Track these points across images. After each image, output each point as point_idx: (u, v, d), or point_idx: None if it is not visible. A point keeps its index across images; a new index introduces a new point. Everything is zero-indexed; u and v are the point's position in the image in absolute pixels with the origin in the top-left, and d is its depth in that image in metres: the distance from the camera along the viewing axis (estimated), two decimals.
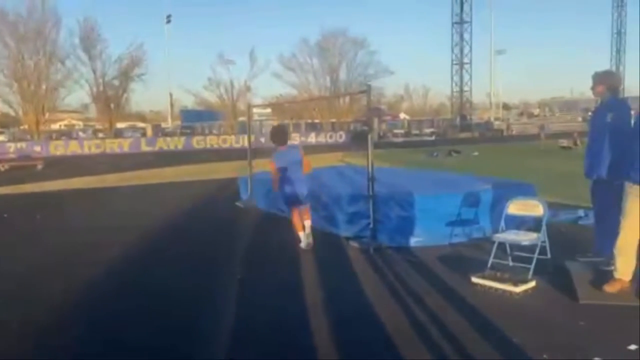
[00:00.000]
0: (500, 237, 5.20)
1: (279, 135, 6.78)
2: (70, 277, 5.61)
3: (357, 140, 34.38)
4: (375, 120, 45.81)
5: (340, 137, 41.90)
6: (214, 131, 49.63)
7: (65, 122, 65.14)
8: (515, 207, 5.42)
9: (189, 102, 64.91)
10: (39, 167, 22.58)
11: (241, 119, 46.90)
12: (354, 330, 3.95)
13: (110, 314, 4.46)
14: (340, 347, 3.63)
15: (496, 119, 58.91)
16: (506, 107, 71.84)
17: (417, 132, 53.46)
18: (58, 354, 3.70)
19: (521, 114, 74.75)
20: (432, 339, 3.68)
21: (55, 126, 54.35)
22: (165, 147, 36.04)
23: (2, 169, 22.06)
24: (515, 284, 4.59)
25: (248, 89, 50.65)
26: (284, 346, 3.71)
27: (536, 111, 77.09)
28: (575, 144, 25.31)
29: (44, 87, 40.09)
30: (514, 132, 51.61)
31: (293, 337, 3.85)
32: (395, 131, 52.15)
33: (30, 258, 6.50)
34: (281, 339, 3.84)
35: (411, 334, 3.77)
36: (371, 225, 6.51)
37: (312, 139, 40.66)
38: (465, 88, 52.81)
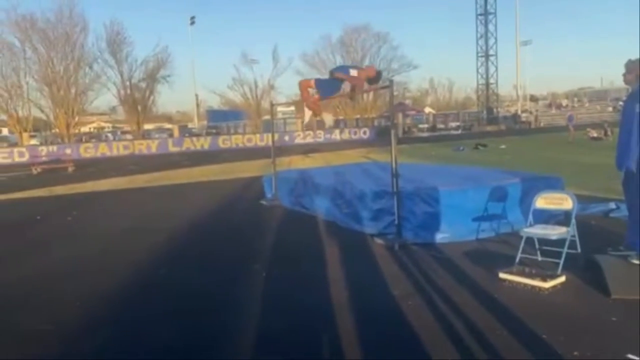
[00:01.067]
0: (529, 231, 5.10)
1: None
2: (99, 278, 5.72)
3: (382, 136, 34.23)
4: (400, 115, 45.54)
5: (365, 133, 41.71)
6: (239, 130, 50.02)
7: (95, 124, 66.46)
8: (544, 201, 5.31)
9: (214, 103, 65.75)
10: (70, 169, 23.08)
11: (265, 117, 47.16)
12: (380, 328, 3.92)
13: (138, 315, 4.53)
14: (366, 344, 3.60)
15: (523, 111, 57.95)
16: (533, 98, 70.63)
17: (442, 126, 52.95)
18: (86, 356, 3.77)
19: (549, 106, 73.34)
20: (458, 335, 3.63)
21: (85, 129, 55.47)
22: (192, 147, 36.44)
23: (35, 172, 22.61)
24: (544, 279, 4.51)
25: (272, 87, 51.00)
26: (309, 344, 3.71)
27: (565, 102, 75.48)
28: (606, 134, 24.73)
29: (73, 91, 40.94)
30: (542, 124, 50.70)
31: (318, 335, 3.84)
32: (420, 126, 51.71)
33: (61, 259, 6.65)
34: (306, 336, 3.84)
35: (437, 331, 3.73)
36: (396, 222, 6.46)
37: (336, 135, 40.57)
38: (491, 80, 51.95)
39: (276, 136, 12.13)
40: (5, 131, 49.81)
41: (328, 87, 7.25)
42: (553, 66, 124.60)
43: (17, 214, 11.18)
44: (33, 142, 40.54)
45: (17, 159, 31.40)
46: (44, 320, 4.40)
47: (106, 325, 4.30)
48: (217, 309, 4.49)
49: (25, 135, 39.73)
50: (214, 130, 50.66)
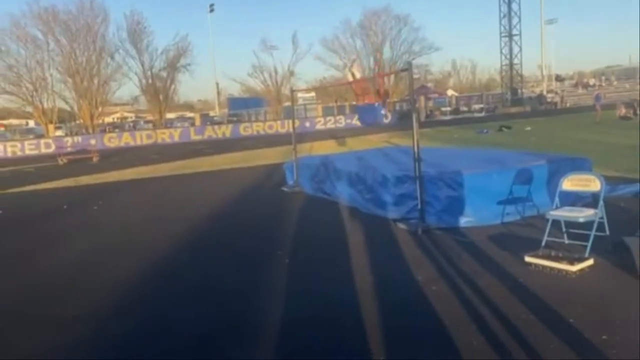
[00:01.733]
0: (555, 214, 5.01)
1: None
2: (125, 266, 5.81)
3: (404, 120, 33.94)
4: (422, 99, 45.03)
5: (386, 117, 41.35)
6: (260, 118, 50.15)
7: (118, 114, 67.36)
8: (570, 183, 5.21)
9: (235, 90, 65.98)
10: (95, 159, 23.45)
11: (286, 104, 47.11)
12: (404, 313, 3.92)
13: (163, 302, 4.60)
14: (390, 330, 3.60)
15: (549, 91, 56.77)
16: (559, 78, 69.10)
17: (465, 108, 52.17)
18: (115, 340, 3.85)
19: (575, 85, 71.66)
20: (483, 320, 3.60)
21: (108, 119, 56.23)
22: (213, 135, 36.65)
23: (61, 163, 23.06)
24: (572, 262, 4.43)
25: (291, 73, 50.85)
26: (332, 330, 3.72)
27: (592, 81, 73.64)
28: (635, 113, 24.11)
29: (95, 81, 41.55)
30: (568, 105, 49.66)
31: (342, 321, 3.84)
32: (443, 109, 51.06)
33: (88, 249, 6.79)
34: (329, 322, 3.85)
35: (462, 316, 3.71)
36: (419, 207, 6.42)
37: (356, 121, 40.31)
38: (515, 61, 50.83)
39: (297, 122, 12.12)
40: (31, 123, 50.79)
41: (369, 115, 8.35)
42: (579, 45, 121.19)
43: (45, 204, 11.42)
44: (58, 133, 41.23)
45: (43, 150, 31.99)
46: (74, 307, 4.51)
47: (133, 311, 4.38)
48: (240, 296, 4.53)
49: (50, 126, 40.47)
50: (235, 118, 50.87)
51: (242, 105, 57.96)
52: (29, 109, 41.58)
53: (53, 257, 6.38)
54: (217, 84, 57.19)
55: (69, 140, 33.39)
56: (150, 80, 44.99)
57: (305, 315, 4.00)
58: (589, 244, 4.62)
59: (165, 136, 36.31)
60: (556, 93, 56.06)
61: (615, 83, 69.11)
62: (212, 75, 70.25)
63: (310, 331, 3.73)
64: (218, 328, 3.90)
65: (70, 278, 5.47)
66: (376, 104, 8.06)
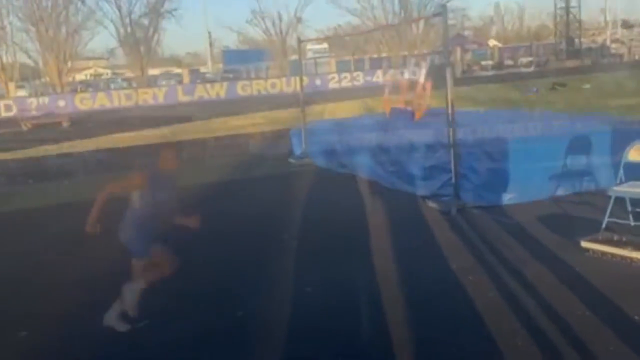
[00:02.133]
0: (619, 190, 4.97)
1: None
2: (101, 256, 5.87)
3: (435, 76, 33.68)
4: (458, 51, 44.54)
5: (414, 73, 41.04)
6: (261, 74, 49.99)
7: (91, 70, 67.44)
8: (638, 153, 5.16)
9: (231, 41, 65.69)
10: (65, 124, 23.59)
11: (292, 58, 46.86)
12: (436, 307, 3.94)
13: (161, 293, 4.66)
14: (419, 325, 3.64)
15: (613, 41, 55.86)
16: (626, 24, 67.76)
17: (511, 62, 51.61)
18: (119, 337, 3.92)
19: None
20: (530, 317, 3.61)
21: (80, 76, 56.36)
22: (205, 96, 36.71)
23: (25, 129, 23.25)
24: (638, 248, 4.42)
25: (299, 20, 50.53)
26: (353, 327, 3.75)
27: None
28: None
29: (63, 30, 41.65)
30: (637, 57, 48.89)
31: (364, 316, 3.89)
32: (483, 63, 50.55)
33: (57, 234, 6.86)
34: (349, 318, 3.87)
35: (505, 311, 3.73)
36: (453, 181, 6.41)
37: (378, 77, 40.03)
38: (573, 4, 50.01)
39: (305, 80, 12.08)
40: None
41: (400, 121, 8.93)
42: None
43: (5, 179, 11.53)
44: (21, 93, 41.40)
45: (3, 114, 32.25)
46: (43, 302, 4.60)
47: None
48: (245, 287, 4.58)
49: (11, 85, 40.68)
50: (231, 75, 50.78)
51: (239, 59, 57.69)
52: None
53: (15, 246, 6.46)
54: (210, 33, 57.04)
55: (33, 101, 33.57)
56: (128, 29, 45.04)
57: (320, 310, 4.04)
58: None
59: (148, 97, 36.41)
60: (622, 43, 55.20)
61: None
62: (204, 22, 70.05)
63: (326, 330, 3.74)
64: (223, 323, 3.94)
65: (37, 272, 5.52)
66: (412, 113, 8.87)
